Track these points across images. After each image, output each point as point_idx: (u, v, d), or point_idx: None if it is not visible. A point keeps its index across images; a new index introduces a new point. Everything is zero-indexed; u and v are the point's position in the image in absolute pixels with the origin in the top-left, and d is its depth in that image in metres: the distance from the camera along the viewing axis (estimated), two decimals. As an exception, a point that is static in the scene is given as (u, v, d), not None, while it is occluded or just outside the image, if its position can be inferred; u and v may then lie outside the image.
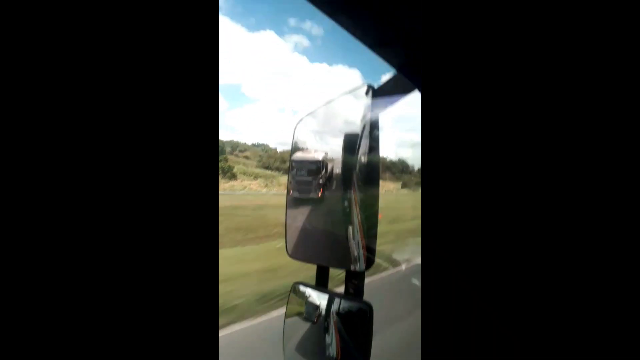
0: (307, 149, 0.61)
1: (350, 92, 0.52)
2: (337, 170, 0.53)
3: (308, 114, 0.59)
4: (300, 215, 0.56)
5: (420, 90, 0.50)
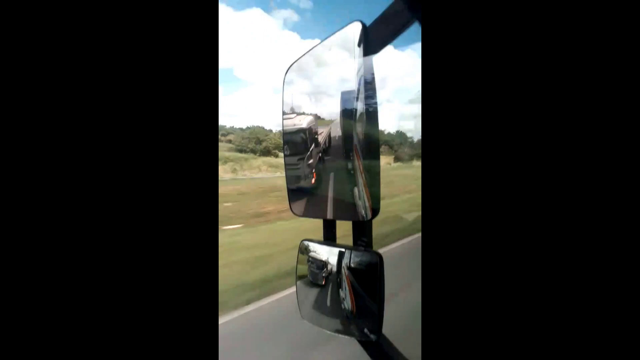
0: (293, 112, 0.56)
1: (340, 32, 0.47)
2: (336, 130, 0.49)
3: (293, 64, 0.54)
4: (301, 172, 0.53)
5: (419, 22, 0.47)
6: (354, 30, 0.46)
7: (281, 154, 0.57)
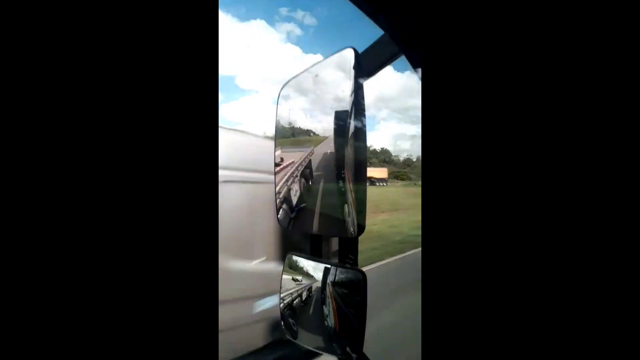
0: (287, 127, 0.58)
1: (334, 56, 0.50)
2: (326, 148, 0.51)
3: (289, 82, 0.56)
4: (290, 186, 0.53)
5: (405, 54, 0.50)
6: (348, 55, 0.49)
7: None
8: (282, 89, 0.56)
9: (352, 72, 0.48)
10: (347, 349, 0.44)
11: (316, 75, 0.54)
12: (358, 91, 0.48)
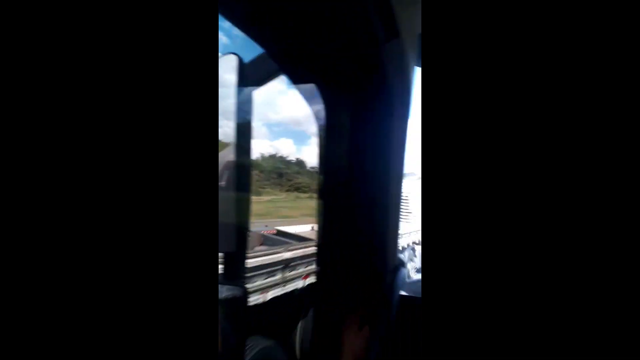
0: None
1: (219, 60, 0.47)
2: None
3: None
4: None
5: (282, 70, 0.50)
6: (230, 61, 0.46)
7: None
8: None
9: (236, 77, 0.46)
10: None
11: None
12: (243, 99, 0.47)
